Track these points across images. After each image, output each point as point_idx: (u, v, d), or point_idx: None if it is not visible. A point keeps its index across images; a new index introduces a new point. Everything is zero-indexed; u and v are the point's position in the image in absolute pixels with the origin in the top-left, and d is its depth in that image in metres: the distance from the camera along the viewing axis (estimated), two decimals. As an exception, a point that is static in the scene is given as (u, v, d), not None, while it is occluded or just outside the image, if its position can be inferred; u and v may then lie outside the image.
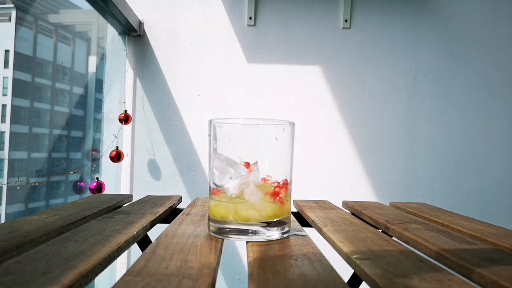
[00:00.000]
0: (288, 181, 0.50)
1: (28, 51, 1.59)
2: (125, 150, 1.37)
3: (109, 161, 1.31)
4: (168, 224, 0.56)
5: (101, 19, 1.27)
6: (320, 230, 0.57)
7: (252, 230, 0.47)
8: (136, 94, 1.39)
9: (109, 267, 0.40)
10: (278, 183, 0.48)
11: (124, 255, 1.36)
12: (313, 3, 1.42)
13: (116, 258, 0.41)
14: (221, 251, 0.43)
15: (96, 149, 1.43)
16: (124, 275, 0.32)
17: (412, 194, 1.44)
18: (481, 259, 0.40)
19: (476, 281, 0.36)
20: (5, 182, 1.15)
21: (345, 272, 0.49)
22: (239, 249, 1.39)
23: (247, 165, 0.48)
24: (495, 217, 1.42)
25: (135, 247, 0.69)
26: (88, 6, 1.16)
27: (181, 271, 0.34)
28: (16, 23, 1.52)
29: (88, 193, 1.29)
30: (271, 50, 1.42)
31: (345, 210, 0.78)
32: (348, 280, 0.77)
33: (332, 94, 1.43)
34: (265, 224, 0.47)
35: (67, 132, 1.65)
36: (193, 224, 0.56)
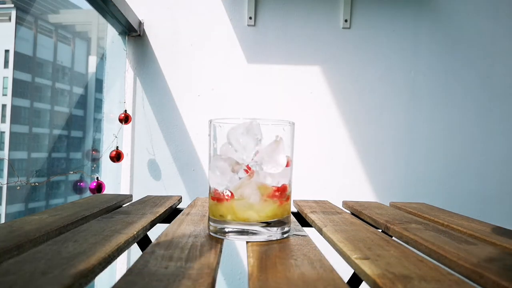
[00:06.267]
0: (288, 181, 0.50)
1: (28, 51, 1.59)
2: (125, 150, 1.37)
3: (109, 161, 1.31)
4: (168, 224, 0.56)
5: (101, 19, 1.27)
6: (320, 230, 0.57)
7: (252, 230, 0.47)
8: (136, 94, 1.39)
9: (109, 267, 0.40)
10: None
11: (124, 255, 1.36)
12: (313, 3, 1.42)
13: (116, 258, 0.41)
14: (221, 251, 0.43)
15: (96, 149, 1.43)
16: (124, 275, 0.32)
17: (412, 194, 1.44)
18: (481, 259, 0.40)
19: (476, 281, 0.36)
20: (5, 182, 1.15)
21: (345, 272, 0.49)
22: (239, 249, 1.39)
23: (248, 166, 0.48)
24: (495, 217, 1.42)
25: (135, 247, 0.69)
26: (88, 6, 1.16)
27: (181, 271, 0.34)
28: (16, 23, 1.52)
29: (88, 193, 1.29)
30: (271, 50, 1.42)
31: (345, 210, 0.78)
32: (348, 280, 0.77)
33: (332, 94, 1.43)
34: (265, 224, 0.47)
35: (67, 132, 1.65)
36: (193, 224, 0.56)
